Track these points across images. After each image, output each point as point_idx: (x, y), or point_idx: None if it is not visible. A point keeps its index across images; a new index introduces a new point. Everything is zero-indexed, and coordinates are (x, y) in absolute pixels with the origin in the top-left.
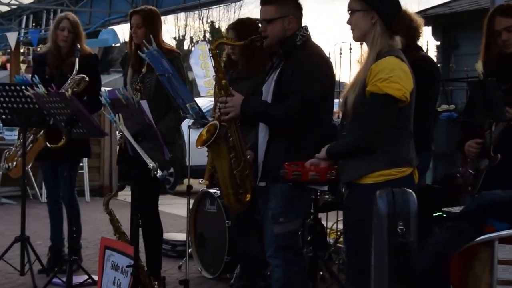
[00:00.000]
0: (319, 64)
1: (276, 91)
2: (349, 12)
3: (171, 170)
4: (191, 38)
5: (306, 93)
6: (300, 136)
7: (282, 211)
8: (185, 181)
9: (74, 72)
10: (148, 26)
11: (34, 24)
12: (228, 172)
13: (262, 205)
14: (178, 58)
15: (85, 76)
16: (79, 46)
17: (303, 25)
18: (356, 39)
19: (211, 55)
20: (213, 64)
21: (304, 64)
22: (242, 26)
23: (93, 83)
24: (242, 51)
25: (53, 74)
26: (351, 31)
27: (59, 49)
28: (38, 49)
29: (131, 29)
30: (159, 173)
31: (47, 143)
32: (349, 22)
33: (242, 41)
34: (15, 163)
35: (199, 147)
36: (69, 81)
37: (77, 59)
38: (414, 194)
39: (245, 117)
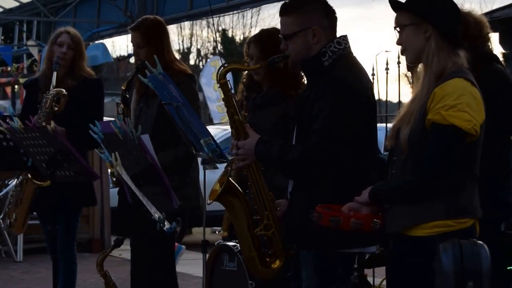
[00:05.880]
0: (350, 94)
1: (298, 130)
2: (397, 29)
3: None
4: (198, 51)
5: (327, 134)
6: (326, 183)
7: (316, 284)
8: (195, 230)
9: (51, 88)
10: (153, 44)
11: (2, 38)
12: (247, 232)
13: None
14: (187, 81)
15: (62, 90)
16: (56, 58)
17: (340, 35)
18: (410, 61)
19: (219, 85)
20: (222, 97)
21: (329, 93)
22: (267, 39)
23: (94, 111)
24: (267, 69)
25: None
26: (402, 52)
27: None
28: (9, 69)
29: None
30: (167, 225)
31: (34, 181)
32: (399, 42)
33: (263, 61)
34: (14, 215)
35: (208, 202)
36: (43, 100)
37: (54, 73)
38: (486, 247)
39: (262, 164)
